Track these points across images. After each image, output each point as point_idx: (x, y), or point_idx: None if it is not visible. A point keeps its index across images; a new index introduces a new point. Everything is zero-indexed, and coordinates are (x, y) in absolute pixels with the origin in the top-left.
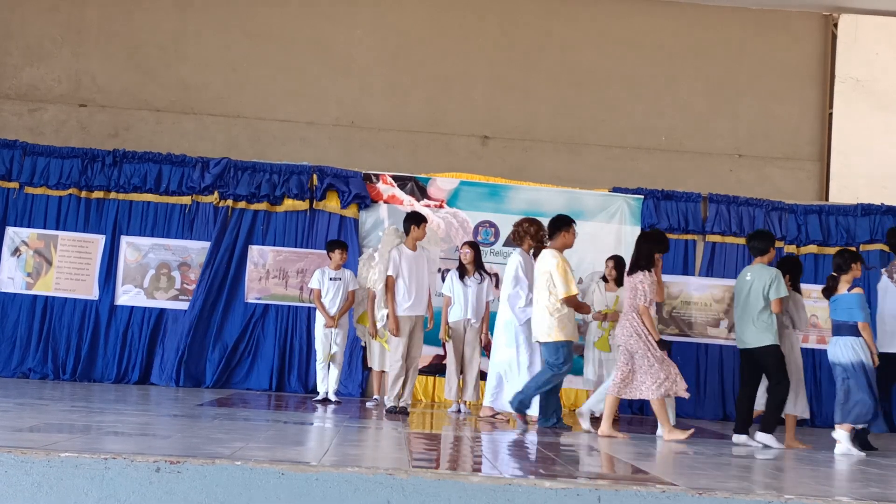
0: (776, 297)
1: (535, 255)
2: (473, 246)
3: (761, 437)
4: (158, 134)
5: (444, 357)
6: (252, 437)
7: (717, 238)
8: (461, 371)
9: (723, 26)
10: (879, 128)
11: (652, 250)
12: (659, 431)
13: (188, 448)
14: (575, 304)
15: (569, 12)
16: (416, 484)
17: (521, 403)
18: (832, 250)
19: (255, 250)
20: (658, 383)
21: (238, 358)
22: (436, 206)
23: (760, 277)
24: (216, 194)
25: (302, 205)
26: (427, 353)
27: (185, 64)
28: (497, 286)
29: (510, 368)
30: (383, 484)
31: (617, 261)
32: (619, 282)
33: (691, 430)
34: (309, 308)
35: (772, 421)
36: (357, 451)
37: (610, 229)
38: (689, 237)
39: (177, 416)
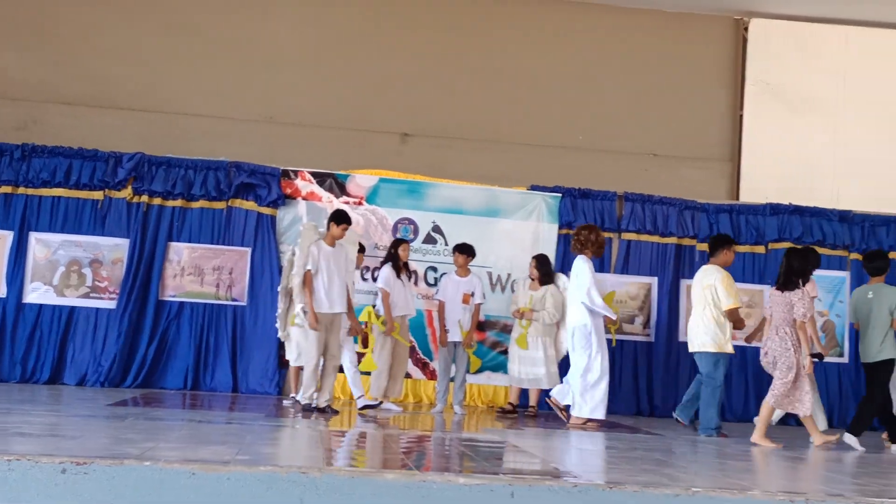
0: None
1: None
2: (464, 250)
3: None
4: (72, 128)
5: (362, 355)
6: (164, 436)
7: (632, 236)
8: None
9: (640, 28)
10: (788, 129)
11: (810, 267)
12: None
13: (96, 449)
14: (736, 316)
15: (490, 12)
16: (330, 482)
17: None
18: (742, 248)
19: (170, 247)
20: (808, 401)
21: (153, 357)
22: (355, 203)
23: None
24: (130, 190)
25: (219, 202)
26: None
27: (100, 57)
28: (416, 283)
29: (575, 370)
30: (297, 482)
31: (539, 260)
32: (542, 280)
33: (837, 437)
34: (227, 305)
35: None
36: (271, 450)
37: (528, 227)
38: (605, 235)
39: (86, 417)
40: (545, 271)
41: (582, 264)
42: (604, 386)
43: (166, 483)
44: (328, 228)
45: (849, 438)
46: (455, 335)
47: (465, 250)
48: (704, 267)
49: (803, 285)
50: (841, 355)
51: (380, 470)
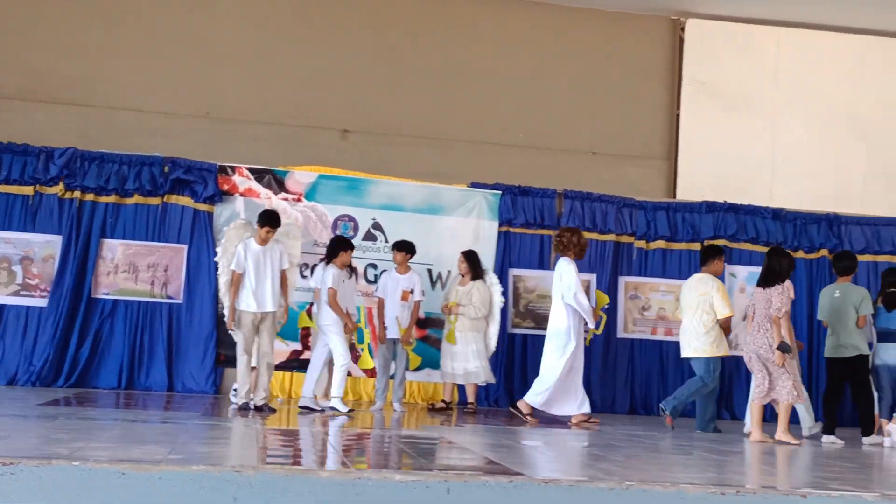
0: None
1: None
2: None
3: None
4: (3, 122)
5: (301, 353)
6: (95, 436)
7: None
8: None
9: (580, 27)
10: (723, 129)
11: (790, 265)
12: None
13: (24, 449)
14: (728, 324)
15: (433, 9)
16: (264, 480)
17: (674, 409)
18: (679, 245)
19: (104, 244)
20: (789, 388)
21: (86, 356)
22: (294, 199)
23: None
24: (62, 185)
25: (154, 198)
26: (284, 350)
27: (34, 49)
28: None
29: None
30: (230, 481)
31: (467, 255)
32: (472, 276)
33: (802, 441)
34: (162, 303)
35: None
36: (206, 449)
37: (468, 224)
38: (545, 232)
39: (15, 417)
40: (473, 266)
41: (566, 266)
42: (570, 384)
43: (95, 483)
44: (256, 228)
45: (868, 440)
46: (393, 332)
47: (403, 247)
48: (698, 276)
49: (783, 281)
50: None
51: (315, 467)
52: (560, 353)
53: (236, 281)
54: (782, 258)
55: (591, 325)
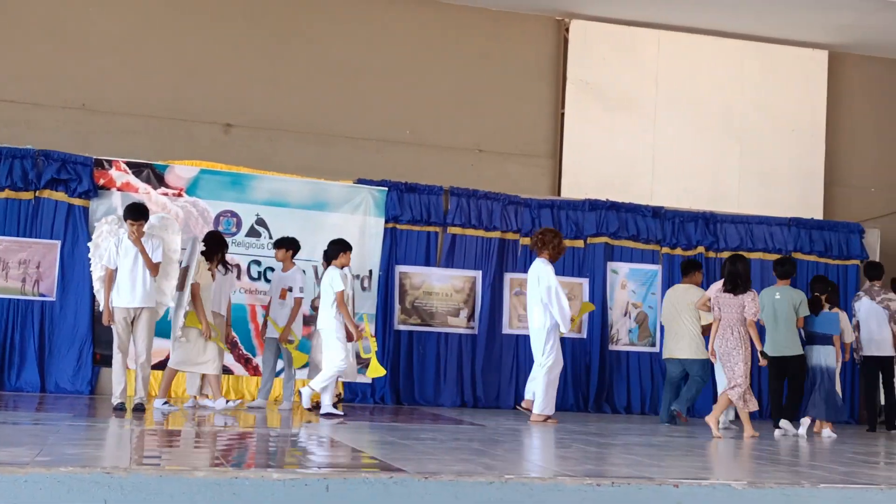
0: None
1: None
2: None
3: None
4: None
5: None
6: None
7: (457, 230)
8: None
9: (467, 25)
10: (606, 128)
11: (749, 271)
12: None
13: None
14: (708, 331)
15: (317, 3)
16: (136, 482)
17: (686, 409)
18: (565, 243)
19: None
20: (735, 385)
21: None
22: (174, 194)
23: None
24: None
25: (26, 192)
26: (162, 348)
27: None
28: (238, 277)
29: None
30: (100, 483)
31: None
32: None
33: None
34: (34, 301)
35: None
36: (76, 451)
37: (355, 221)
38: (431, 229)
39: None
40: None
41: (543, 266)
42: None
43: None
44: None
45: (785, 424)
46: (272, 331)
47: (282, 244)
48: (683, 286)
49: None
50: (653, 345)
51: (189, 468)
52: (543, 352)
53: (109, 277)
54: (742, 263)
55: (564, 330)
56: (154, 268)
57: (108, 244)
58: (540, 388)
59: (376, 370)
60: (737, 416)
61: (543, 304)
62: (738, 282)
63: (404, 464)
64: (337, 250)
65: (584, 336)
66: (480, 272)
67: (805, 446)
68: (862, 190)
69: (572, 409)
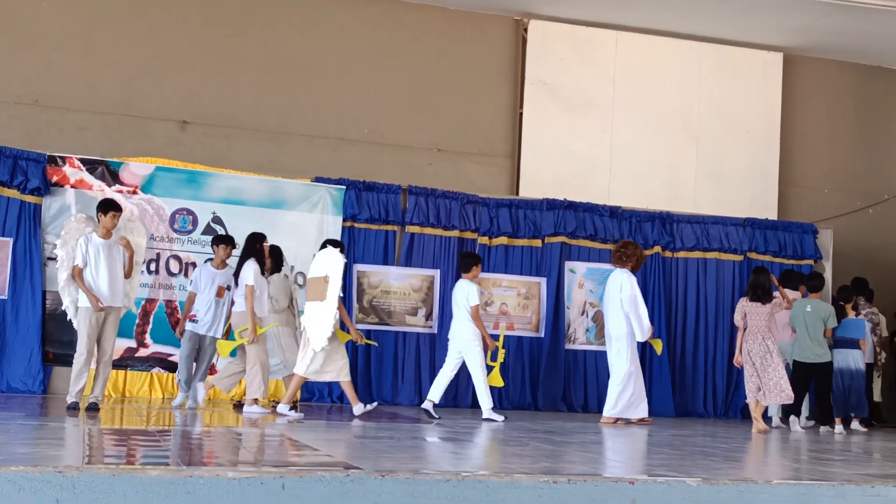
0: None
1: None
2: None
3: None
4: None
5: (136, 350)
6: None
7: (416, 229)
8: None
9: (426, 24)
10: (564, 128)
11: (771, 283)
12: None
13: None
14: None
15: (274, 1)
16: (88, 481)
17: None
18: (521, 242)
19: None
20: (783, 391)
21: None
22: (129, 191)
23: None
24: None
25: None
26: (119, 346)
27: None
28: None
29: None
30: (52, 482)
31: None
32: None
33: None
34: None
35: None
36: (27, 450)
37: (312, 219)
38: (389, 228)
39: None
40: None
41: (626, 277)
42: (632, 387)
43: None
44: (98, 220)
45: (823, 428)
46: (202, 327)
47: (223, 241)
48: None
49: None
50: None
51: (143, 466)
52: (623, 358)
53: (78, 275)
54: (766, 275)
55: (640, 338)
56: (131, 268)
57: (77, 242)
58: (626, 392)
59: (496, 379)
60: (786, 415)
61: (625, 313)
62: (760, 292)
63: (361, 462)
64: (469, 263)
65: (542, 335)
66: (439, 271)
67: (797, 440)
68: (815, 191)
69: (529, 407)
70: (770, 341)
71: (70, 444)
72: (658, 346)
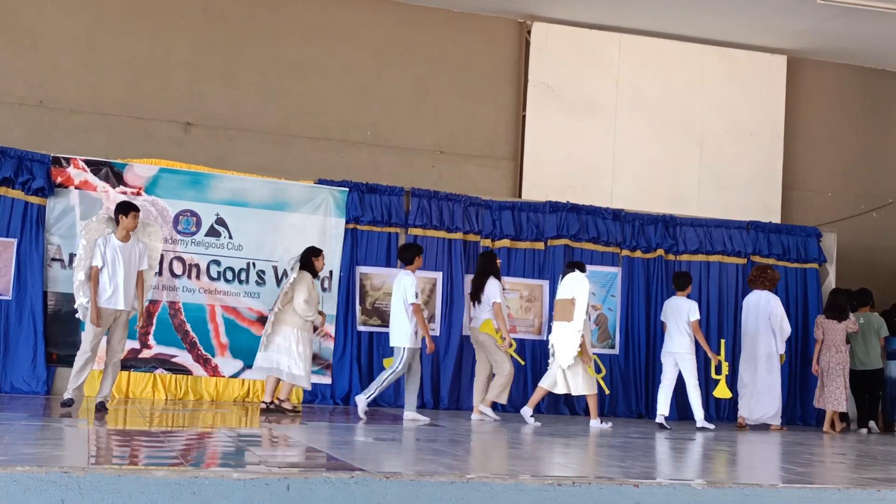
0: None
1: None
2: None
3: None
4: None
5: (139, 351)
6: None
7: (418, 231)
8: None
9: (429, 26)
10: (566, 131)
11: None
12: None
13: None
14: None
15: (276, 1)
16: (94, 481)
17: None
18: (523, 244)
19: None
20: (837, 400)
21: None
22: (133, 193)
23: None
24: None
25: None
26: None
27: None
28: (198, 277)
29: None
30: (57, 482)
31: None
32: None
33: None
34: None
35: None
36: (32, 450)
37: (315, 221)
38: (392, 230)
39: None
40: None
41: (775, 301)
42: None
43: None
44: (117, 222)
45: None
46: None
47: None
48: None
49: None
50: (612, 347)
51: (147, 467)
52: (770, 370)
53: (95, 276)
54: (844, 296)
55: (781, 351)
56: (140, 275)
57: (97, 242)
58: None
59: (723, 391)
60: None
61: (772, 329)
62: (836, 311)
63: (365, 464)
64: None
65: (544, 338)
66: (441, 274)
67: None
68: (819, 194)
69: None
70: (842, 355)
71: (73, 444)
72: (724, 366)
